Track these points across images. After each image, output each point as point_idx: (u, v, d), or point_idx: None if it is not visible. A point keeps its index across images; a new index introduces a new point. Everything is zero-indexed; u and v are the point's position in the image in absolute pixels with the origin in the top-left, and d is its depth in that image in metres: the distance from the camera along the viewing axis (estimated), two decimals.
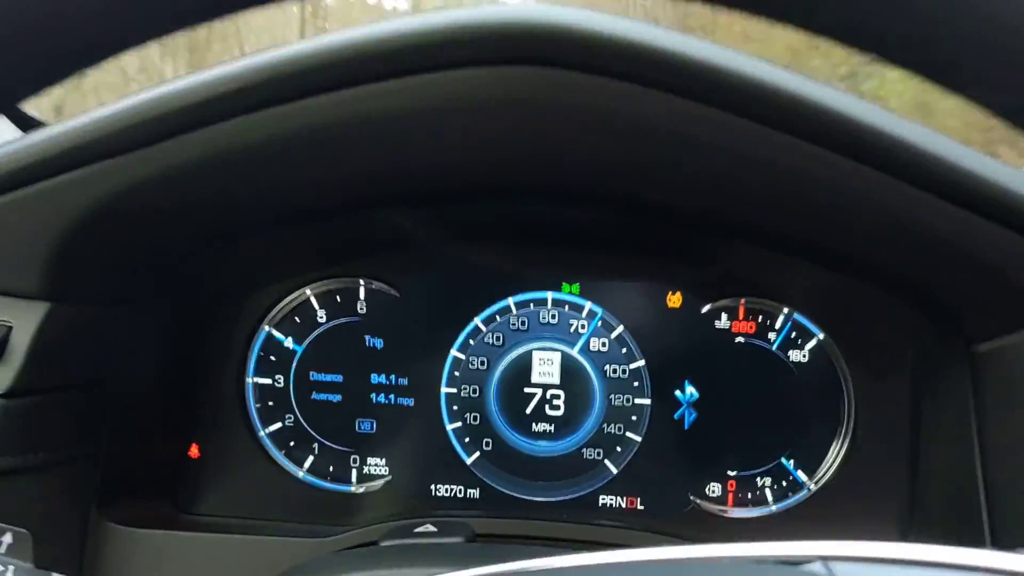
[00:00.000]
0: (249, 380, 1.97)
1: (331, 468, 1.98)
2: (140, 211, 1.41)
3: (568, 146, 1.33)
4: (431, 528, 1.28)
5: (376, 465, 1.97)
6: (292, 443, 1.98)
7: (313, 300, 1.97)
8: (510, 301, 1.96)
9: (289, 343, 1.97)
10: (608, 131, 1.24)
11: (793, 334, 1.94)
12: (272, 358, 1.97)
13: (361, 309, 1.97)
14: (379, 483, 1.97)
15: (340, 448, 1.98)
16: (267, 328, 1.97)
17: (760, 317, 1.95)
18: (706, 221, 1.67)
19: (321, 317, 1.97)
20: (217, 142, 1.29)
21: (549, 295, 1.97)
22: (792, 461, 1.95)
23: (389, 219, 1.81)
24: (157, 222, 1.49)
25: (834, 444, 1.94)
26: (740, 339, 1.94)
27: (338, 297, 1.97)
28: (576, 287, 1.96)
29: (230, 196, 1.45)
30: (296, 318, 1.97)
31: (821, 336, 1.93)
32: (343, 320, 1.97)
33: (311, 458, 1.98)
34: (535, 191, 1.55)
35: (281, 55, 1.18)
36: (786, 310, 1.93)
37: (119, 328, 1.67)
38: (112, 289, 1.61)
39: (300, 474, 1.97)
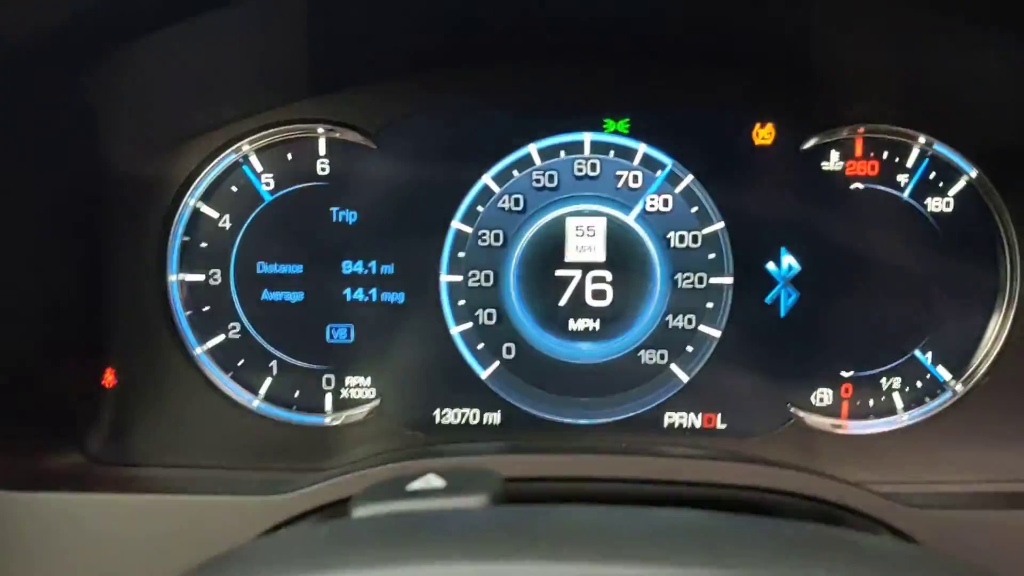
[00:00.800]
0: (173, 277, 1.42)
1: (297, 393, 1.47)
2: None
3: None
4: (435, 482, 0.74)
5: (358, 387, 1.45)
6: (241, 362, 1.45)
7: (254, 159, 1.41)
8: (531, 148, 1.40)
9: (225, 222, 1.41)
10: None
11: (932, 174, 1.39)
12: (203, 245, 1.42)
13: (323, 169, 1.41)
14: (363, 410, 1.45)
15: (307, 365, 1.46)
16: (192, 202, 1.40)
17: (885, 153, 1.39)
18: None
19: (267, 183, 1.41)
20: None
21: (586, 137, 1.40)
22: (930, 354, 1.43)
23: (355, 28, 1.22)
24: None
25: (990, 327, 1.41)
26: (857, 185, 1.40)
27: (289, 154, 1.41)
28: (624, 123, 1.40)
29: None
30: (232, 187, 1.41)
31: (973, 174, 1.37)
32: (299, 186, 1.41)
33: (268, 381, 1.46)
34: None
35: None
36: (922, 140, 1.37)
37: None
38: None
39: (255, 404, 1.45)
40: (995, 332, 1.40)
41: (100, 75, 1.18)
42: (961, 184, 1.39)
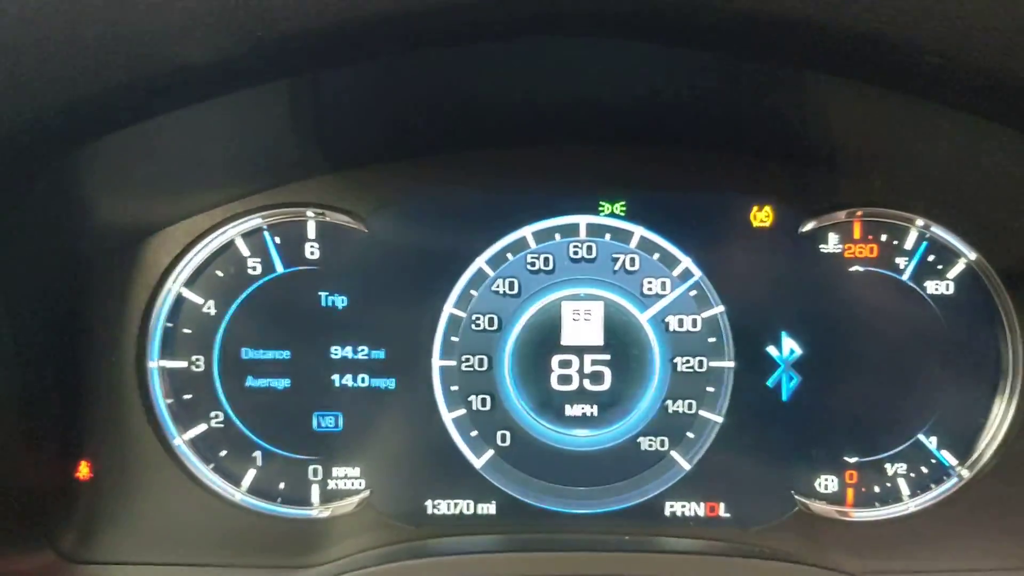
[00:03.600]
0: (153, 364, 1.36)
1: (282, 485, 1.41)
2: None
3: None
4: None
5: (346, 477, 1.40)
6: (223, 452, 1.39)
7: (240, 243, 1.36)
8: (526, 231, 1.37)
9: (209, 307, 1.37)
10: None
11: (931, 257, 1.38)
12: (186, 331, 1.37)
13: (311, 253, 1.37)
14: (352, 502, 1.39)
15: (293, 455, 1.40)
16: (175, 287, 1.36)
17: (884, 236, 1.38)
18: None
19: (254, 267, 1.37)
20: None
21: (582, 219, 1.38)
22: (935, 438, 1.40)
23: (348, 110, 1.20)
24: None
25: (994, 411, 1.39)
26: (857, 268, 1.38)
27: (277, 237, 1.37)
28: (621, 206, 1.37)
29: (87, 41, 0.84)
30: (217, 271, 1.37)
31: (972, 256, 1.36)
32: (287, 271, 1.37)
33: (252, 472, 1.41)
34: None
35: None
36: (920, 222, 1.36)
37: None
38: None
39: (238, 496, 1.39)
40: (1000, 416, 1.38)
41: (82, 160, 1.13)
42: (960, 267, 1.37)
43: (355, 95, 1.17)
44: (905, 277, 1.38)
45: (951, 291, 1.38)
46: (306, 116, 1.20)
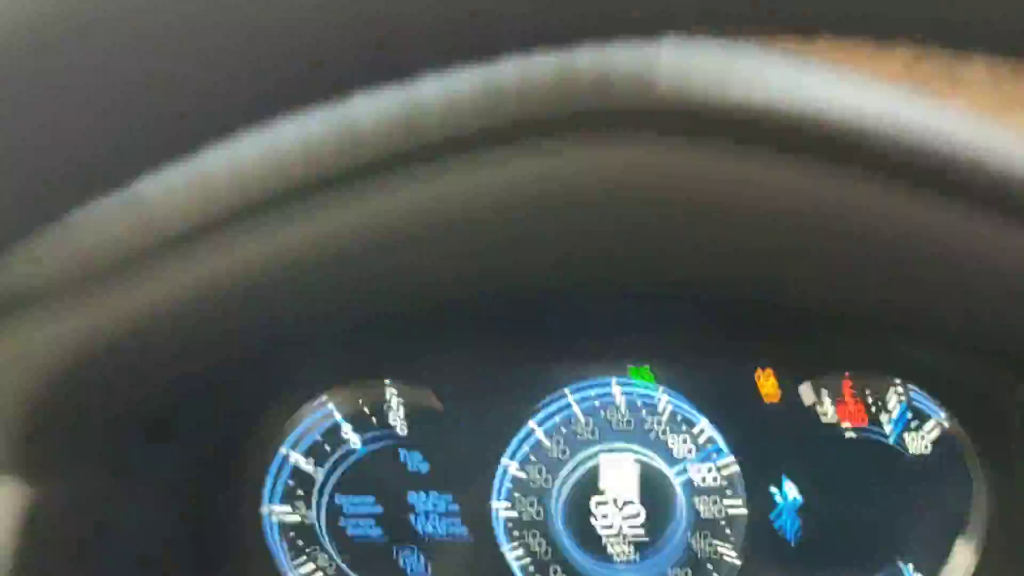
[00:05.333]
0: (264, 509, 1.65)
1: None
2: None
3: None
4: None
5: None
6: None
7: (342, 423, 1.66)
8: (568, 395, 1.65)
9: (317, 473, 1.67)
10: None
11: (911, 418, 1.62)
12: (291, 483, 1.66)
13: (399, 427, 1.66)
14: None
15: None
16: (286, 452, 1.66)
17: (869, 398, 1.63)
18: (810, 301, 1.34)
19: (354, 443, 1.66)
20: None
21: (614, 382, 1.65)
22: (911, 566, 1.62)
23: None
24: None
25: (958, 544, 1.61)
26: (851, 434, 1.61)
27: (374, 417, 1.66)
28: (647, 371, 1.64)
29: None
30: (326, 446, 1.66)
31: (943, 416, 1.60)
32: (381, 444, 1.67)
33: None
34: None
35: None
36: (898, 383, 1.60)
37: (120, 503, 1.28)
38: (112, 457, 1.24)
39: None
40: (964, 552, 1.57)
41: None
42: (934, 429, 1.58)
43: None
44: (892, 440, 1.58)
45: (928, 450, 1.59)
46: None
